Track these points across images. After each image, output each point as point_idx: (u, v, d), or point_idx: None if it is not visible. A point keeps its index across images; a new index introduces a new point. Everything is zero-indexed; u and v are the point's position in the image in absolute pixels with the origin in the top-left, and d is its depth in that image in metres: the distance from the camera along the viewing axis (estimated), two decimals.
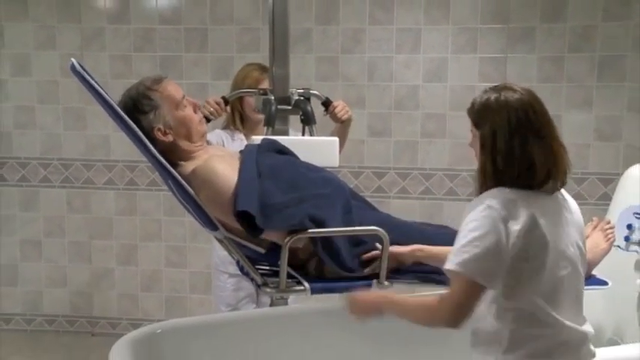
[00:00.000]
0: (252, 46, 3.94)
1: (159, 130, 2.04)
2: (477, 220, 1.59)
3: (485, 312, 1.64)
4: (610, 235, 2.46)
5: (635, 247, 2.40)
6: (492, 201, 1.60)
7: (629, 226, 2.43)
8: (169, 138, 2.06)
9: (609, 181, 3.74)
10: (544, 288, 1.61)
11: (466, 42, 3.89)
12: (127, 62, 4.08)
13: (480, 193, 1.68)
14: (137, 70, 4.03)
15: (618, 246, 2.46)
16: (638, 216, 2.43)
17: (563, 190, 1.73)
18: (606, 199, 3.38)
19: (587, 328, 1.67)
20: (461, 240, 1.60)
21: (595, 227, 2.49)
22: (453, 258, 1.59)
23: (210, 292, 3.06)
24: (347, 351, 2.21)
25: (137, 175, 4.15)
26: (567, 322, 1.62)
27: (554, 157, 1.65)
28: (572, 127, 3.80)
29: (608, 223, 2.48)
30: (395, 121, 3.97)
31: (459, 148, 3.86)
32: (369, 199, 2.21)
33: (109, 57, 4.09)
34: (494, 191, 1.64)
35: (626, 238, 2.43)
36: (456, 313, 1.57)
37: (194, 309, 4.13)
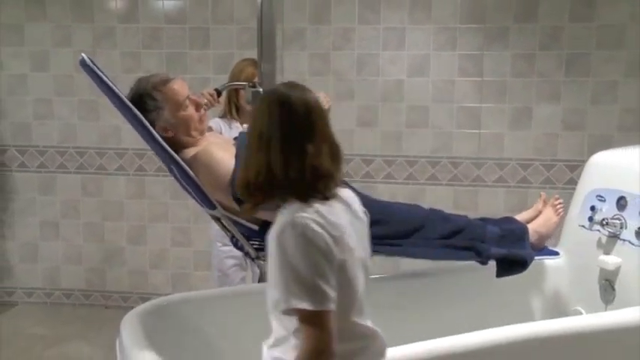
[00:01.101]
0: (251, 44, 3.87)
1: (160, 127, 2.03)
2: (298, 248, 1.30)
3: (290, 334, 1.36)
4: (559, 209, 2.49)
5: (598, 227, 2.40)
6: (303, 218, 1.32)
7: (593, 208, 2.43)
8: (170, 134, 2.06)
9: (575, 167, 3.74)
10: (354, 298, 1.40)
11: (446, 40, 3.87)
12: (136, 59, 4.05)
13: (261, 201, 1.41)
14: (145, 65, 4.00)
15: (583, 226, 2.47)
16: (600, 199, 2.43)
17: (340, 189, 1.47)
18: (572, 183, 3.38)
19: (373, 325, 1.45)
20: (292, 275, 1.29)
21: (545, 203, 2.52)
22: (292, 297, 1.28)
23: (211, 268, 3.06)
24: None
25: (146, 162, 4.13)
26: (371, 327, 1.44)
27: (325, 161, 1.38)
28: (541, 118, 3.79)
29: (557, 198, 2.50)
30: (382, 113, 3.96)
31: (440, 137, 3.86)
32: (357, 184, 2.21)
33: (119, 54, 4.06)
34: (295, 207, 1.35)
35: (590, 219, 2.43)
36: (331, 348, 1.28)
37: (198, 284, 4.14)
